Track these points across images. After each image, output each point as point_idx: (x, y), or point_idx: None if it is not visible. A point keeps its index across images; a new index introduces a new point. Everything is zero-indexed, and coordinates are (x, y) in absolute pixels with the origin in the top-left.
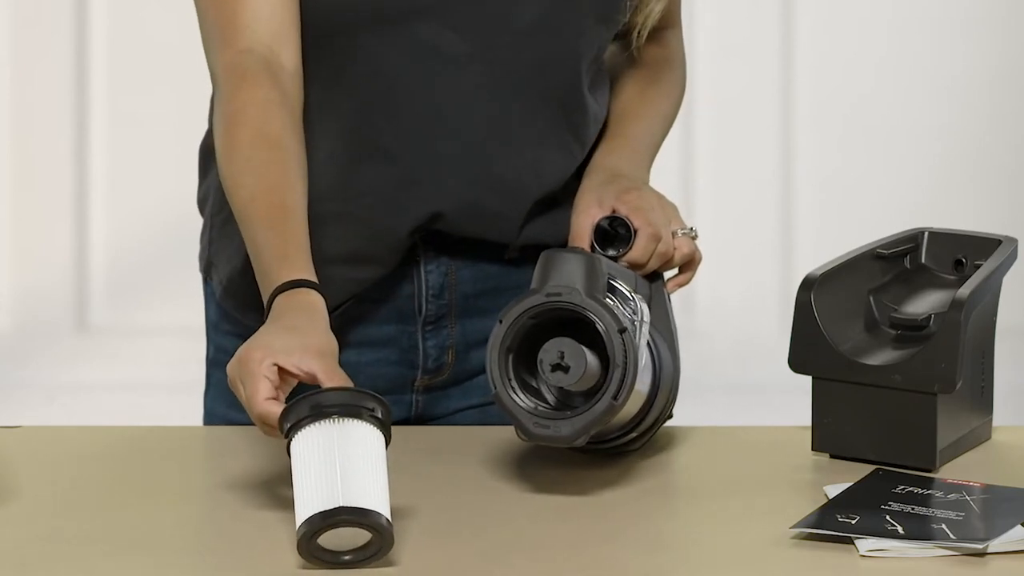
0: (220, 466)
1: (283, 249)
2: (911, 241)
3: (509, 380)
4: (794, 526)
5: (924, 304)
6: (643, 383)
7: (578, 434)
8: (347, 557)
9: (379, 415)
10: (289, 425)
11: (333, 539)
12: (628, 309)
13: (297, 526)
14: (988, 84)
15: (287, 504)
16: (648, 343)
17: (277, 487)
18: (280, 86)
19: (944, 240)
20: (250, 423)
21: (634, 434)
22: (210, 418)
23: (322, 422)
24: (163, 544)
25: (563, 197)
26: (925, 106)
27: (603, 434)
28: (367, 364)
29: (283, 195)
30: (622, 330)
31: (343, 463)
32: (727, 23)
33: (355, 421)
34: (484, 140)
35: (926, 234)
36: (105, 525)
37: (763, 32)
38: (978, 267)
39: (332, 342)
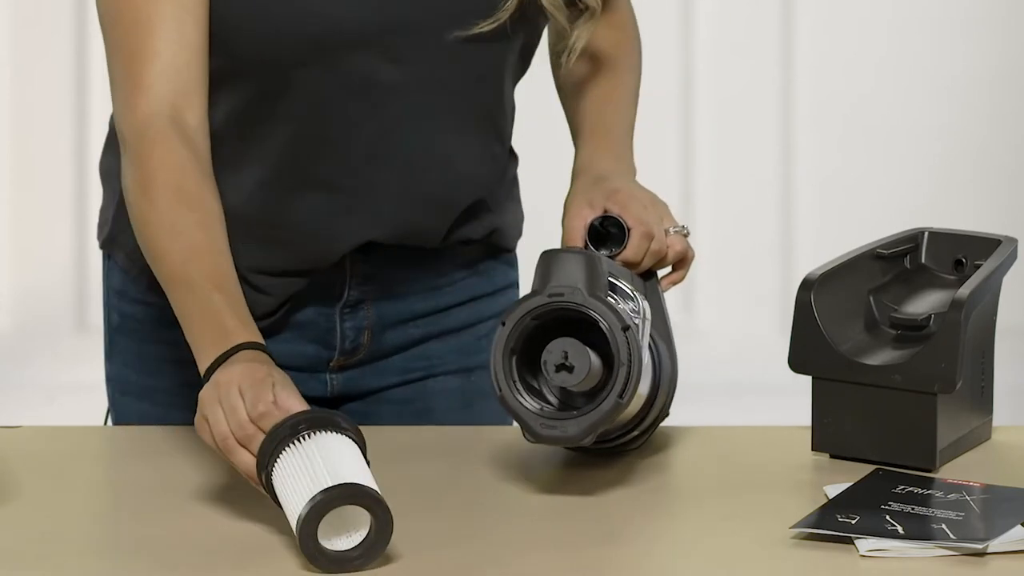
0: (220, 466)
1: (238, 313)
2: (911, 241)
3: (514, 382)
4: (794, 526)
5: (924, 304)
6: (644, 382)
7: (585, 433)
8: (355, 554)
9: (347, 426)
10: (266, 460)
11: (334, 541)
12: (630, 307)
13: (294, 530)
14: (988, 84)
15: None
16: (649, 343)
17: None
18: (189, 144)
19: (944, 240)
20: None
21: (635, 432)
22: (118, 383)
23: (294, 443)
24: (163, 544)
25: (490, 199)
26: (925, 106)
27: (605, 434)
28: (284, 342)
29: (216, 257)
30: (626, 328)
31: (325, 463)
32: (727, 23)
33: (326, 432)
34: (419, 164)
35: (926, 234)
36: (105, 525)
37: (763, 32)
38: (978, 267)
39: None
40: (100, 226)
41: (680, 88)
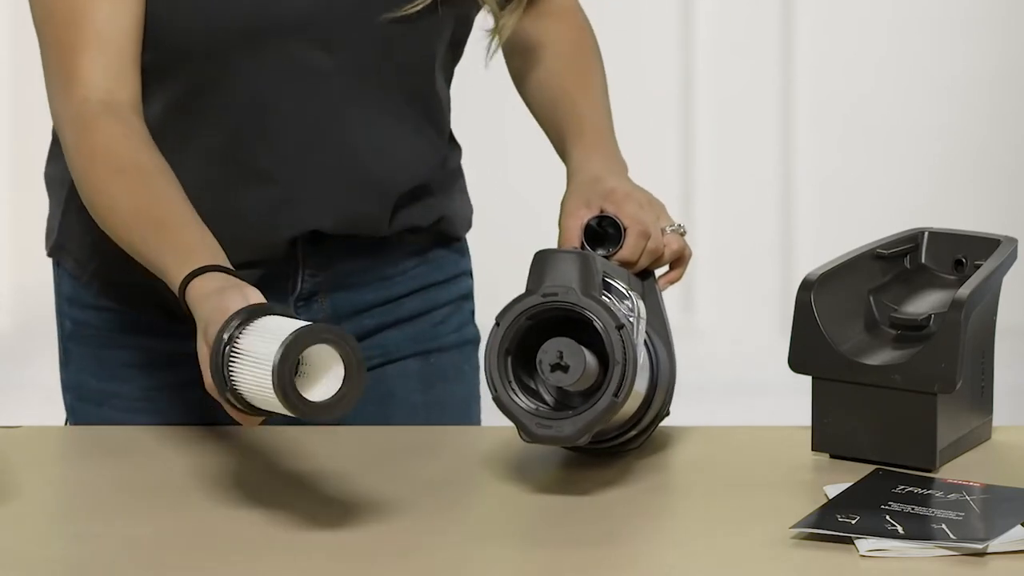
0: (220, 465)
1: (162, 258)
2: (911, 241)
3: (509, 382)
4: (794, 526)
5: (924, 304)
6: (641, 381)
7: (581, 433)
8: (333, 401)
9: (285, 312)
10: (227, 335)
11: (311, 391)
12: (624, 306)
13: (274, 380)
14: (988, 84)
15: (288, 504)
16: (645, 341)
17: (278, 487)
18: (122, 121)
19: (944, 240)
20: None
21: (633, 432)
22: (75, 390)
23: (256, 320)
24: (163, 544)
25: (432, 185)
26: (925, 106)
27: (602, 433)
28: None
29: (149, 211)
30: (620, 327)
31: (280, 329)
32: (727, 23)
33: (264, 317)
34: (357, 149)
35: (926, 234)
36: (104, 525)
37: (763, 32)
38: (978, 267)
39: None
40: (47, 235)
41: (680, 88)
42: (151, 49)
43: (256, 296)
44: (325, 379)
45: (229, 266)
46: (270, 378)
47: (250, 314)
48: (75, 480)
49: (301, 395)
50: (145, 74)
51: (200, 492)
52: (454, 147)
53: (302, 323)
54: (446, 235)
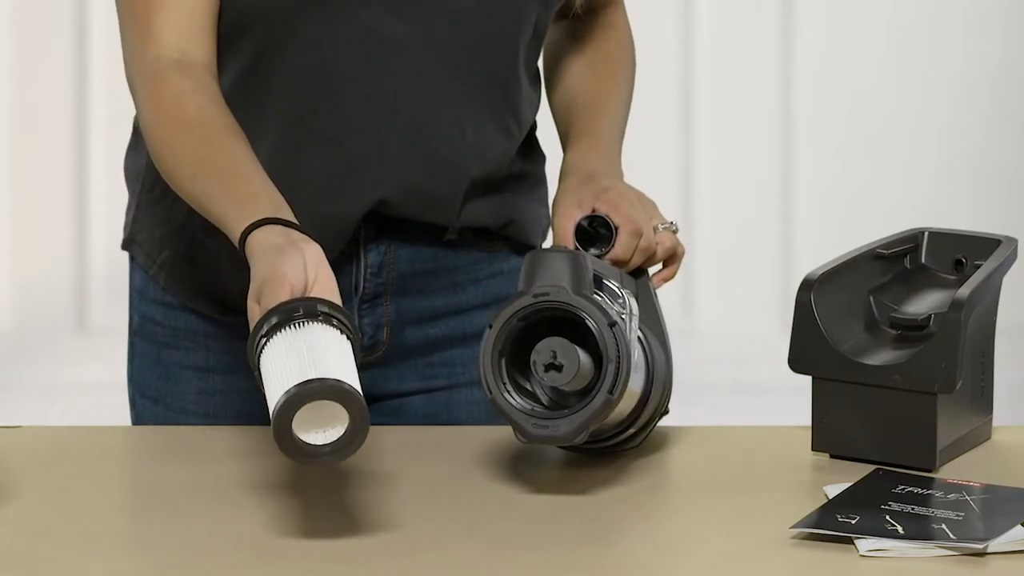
0: (221, 466)
1: (224, 210)
2: (911, 241)
3: (504, 384)
4: (794, 526)
5: (924, 304)
6: (636, 380)
7: (577, 432)
8: (326, 450)
9: (344, 320)
10: (258, 339)
11: (310, 434)
12: (617, 304)
13: (271, 413)
14: (988, 85)
15: (289, 504)
16: (640, 339)
17: (279, 487)
18: (192, 78)
19: (944, 240)
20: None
21: (632, 431)
22: (137, 385)
23: (288, 328)
24: (163, 544)
25: (504, 181)
26: (925, 107)
27: (600, 432)
28: None
29: (213, 163)
30: (612, 324)
31: (312, 354)
32: (727, 23)
33: (320, 324)
34: (425, 122)
35: (926, 234)
36: (105, 525)
37: (763, 32)
38: (978, 267)
39: (308, 247)
40: (124, 228)
41: (680, 89)
42: (225, 14)
43: (315, 255)
44: (332, 416)
45: (292, 219)
46: (275, 403)
47: (284, 318)
48: (75, 480)
49: (297, 444)
50: (220, 41)
51: (201, 492)
52: (537, 153)
53: (328, 343)
54: (518, 242)
